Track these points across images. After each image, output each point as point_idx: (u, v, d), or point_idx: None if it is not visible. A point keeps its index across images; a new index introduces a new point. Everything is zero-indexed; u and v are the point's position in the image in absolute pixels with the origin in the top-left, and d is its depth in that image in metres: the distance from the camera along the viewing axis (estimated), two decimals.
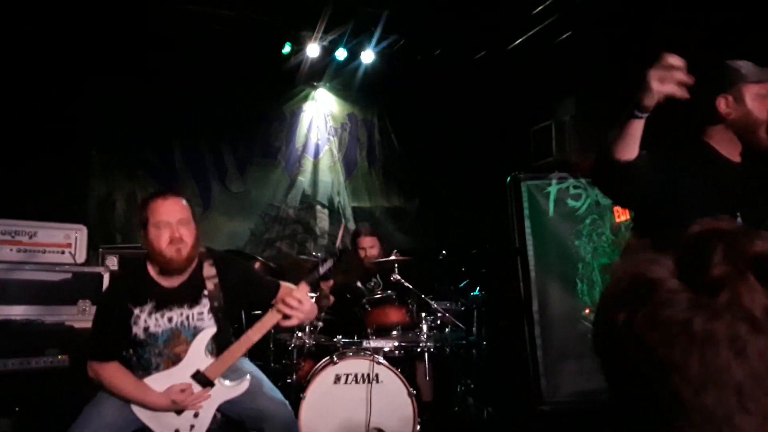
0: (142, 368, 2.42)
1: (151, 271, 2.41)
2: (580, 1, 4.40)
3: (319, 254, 4.08)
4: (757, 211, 1.86)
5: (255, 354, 2.88)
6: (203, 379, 2.37)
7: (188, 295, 2.41)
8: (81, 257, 3.84)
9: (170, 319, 2.40)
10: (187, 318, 2.41)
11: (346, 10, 5.03)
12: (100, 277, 3.88)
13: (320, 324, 3.77)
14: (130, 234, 5.12)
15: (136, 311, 2.37)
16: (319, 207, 5.90)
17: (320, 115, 6.03)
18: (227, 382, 2.44)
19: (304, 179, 5.91)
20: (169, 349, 2.40)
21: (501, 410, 4.13)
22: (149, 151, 5.29)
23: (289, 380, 3.62)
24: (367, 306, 3.83)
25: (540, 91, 5.35)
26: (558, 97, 5.06)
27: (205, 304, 2.42)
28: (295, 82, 5.80)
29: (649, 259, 0.62)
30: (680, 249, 0.61)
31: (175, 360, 2.40)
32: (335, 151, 6.06)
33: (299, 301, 2.34)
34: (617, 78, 4.58)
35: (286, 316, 2.34)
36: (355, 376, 3.36)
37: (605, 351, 0.64)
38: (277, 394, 2.55)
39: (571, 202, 4.61)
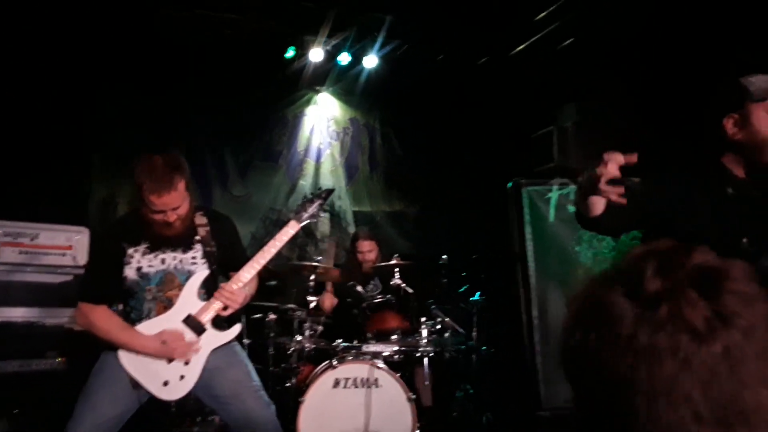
0: (132, 321, 2.39)
1: (146, 216, 2.41)
2: (583, 8, 4.41)
3: (319, 258, 4.10)
4: (763, 231, 1.82)
5: (254, 357, 2.88)
6: (194, 323, 2.36)
7: (181, 240, 2.42)
8: (82, 259, 3.85)
9: (163, 261, 2.40)
10: (181, 261, 2.42)
11: (349, 15, 5.04)
12: None
13: (320, 328, 3.78)
14: None
15: (130, 250, 2.37)
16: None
17: (322, 119, 6.04)
18: (219, 330, 2.43)
19: (306, 183, 5.92)
20: (162, 293, 2.39)
21: (500, 416, 4.13)
22: (151, 153, 5.29)
23: (288, 384, 3.63)
24: (367, 310, 3.83)
25: (542, 97, 5.36)
26: (560, 104, 5.07)
27: (197, 249, 2.44)
28: (298, 86, 5.81)
29: (605, 284, 0.64)
30: (623, 270, 0.64)
31: (168, 304, 2.39)
32: (337, 156, 6.07)
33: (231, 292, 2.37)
34: (619, 85, 4.60)
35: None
36: (355, 380, 3.36)
37: (568, 370, 0.67)
38: (264, 395, 2.52)
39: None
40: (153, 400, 2.37)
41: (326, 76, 5.81)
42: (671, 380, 0.57)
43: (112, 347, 2.35)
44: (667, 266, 0.61)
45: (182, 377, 2.35)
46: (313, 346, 3.63)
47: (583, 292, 0.67)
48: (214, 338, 2.41)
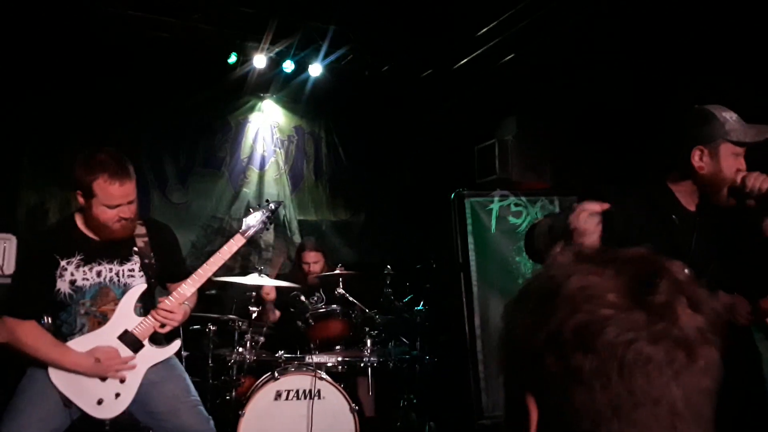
0: (63, 335, 2.26)
1: (80, 223, 2.31)
2: (523, 25, 4.55)
3: (262, 267, 4.03)
4: (702, 263, 1.86)
5: (192, 370, 2.79)
6: (131, 340, 2.26)
7: (118, 251, 2.31)
8: (9, 269, 3.65)
9: (99, 273, 2.28)
10: (117, 274, 2.31)
11: (292, 22, 5.03)
12: None
13: (261, 339, 3.71)
14: None
15: (63, 262, 2.24)
16: None
17: (267, 126, 5.97)
18: (155, 346, 2.33)
19: (249, 191, 5.82)
20: (96, 307, 2.27)
21: (443, 425, 4.16)
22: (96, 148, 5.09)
23: (227, 397, 3.54)
24: (310, 320, 3.79)
25: (484, 110, 5.49)
26: (500, 117, 5.20)
27: (135, 261, 2.34)
28: (241, 92, 5.73)
29: (590, 271, 0.62)
30: (625, 269, 0.62)
31: (102, 320, 2.27)
32: (281, 164, 6.00)
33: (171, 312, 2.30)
34: (557, 100, 4.78)
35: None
36: (297, 392, 3.32)
37: (531, 365, 0.62)
38: (202, 410, 2.44)
39: (512, 219, 4.74)
40: (86, 417, 2.25)
41: (270, 83, 5.75)
42: (660, 390, 0.58)
43: (39, 363, 2.23)
44: (670, 278, 0.62)
45: (118, 395, 2.25)
46: (255, 357, 3.56)
47: (554, 284, 0.62)
48: (151, 354, 2.32)
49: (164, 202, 5.41)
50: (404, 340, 3.96)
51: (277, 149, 5.99)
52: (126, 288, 2.32)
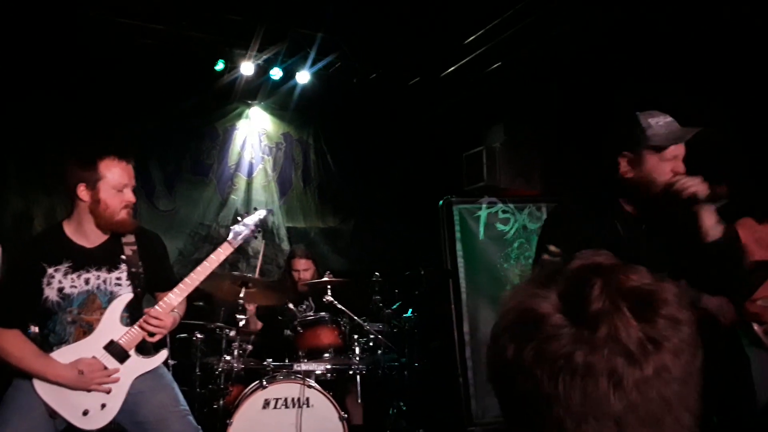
0: (50, 345, 2.23)
1: (68, 230, 2.28)
2: (510, 33, 4.59)
3: (250, 275, 4.01)
4: (654, 268, 1.93)
5: (179, 379, 2.76)
6: (117, 350, 2.22)
7: (106, 258, 2.29)
8: None
9: (87, 281, 2.25)
10: (105, 282, 2.28)
11: (280, 30, 5.03)
12: None
13: (249, 347, 3.68)
14: None
15: (51, 270, 2.21)
16: None
17: (254, 133, 5.95)
18: (142, 356, 2.30)
19: (237, 198, 5.80)
20: (84, 315, 2.23)
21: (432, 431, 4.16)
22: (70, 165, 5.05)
23: (215, 406, 3.50)
24: (298, 328, 3.77)
25: (472, 118, 5.52)
26: (488, 124, 5.24)
27: (123, 269, 2.31)
28: (229, 99, 5.71)
29: (536, 294, 0.64)
30: (562, 284, 0.64)
31: (88, 329, 2.23)
32: (269, 171, 5.99)
33: (169, 313, 2.29)
34: (542, 108, 4.82)
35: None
36: (285, 400, 3.30)
37: (497, 380, 0.65)
38: (191, 420, 2.40)
39: (500, 226, 4.76)
40: (72, 428, 2.22)
41: (258, 90, 5.75)
42: (604, 401, 0.57)
43: (24, 374, 2.20)
44: (611, 286, 0.61)
45: (103, 406, 2.22)
46: (243, 366, 3.53)
47: (515, 303, 0.65)
48: (138, 365, 2.29)
49: (151, 210, 5.37)
50: (393, 347, 3.95)
51: (265, 156, 5.98)
52: (112, 296, 2.29)
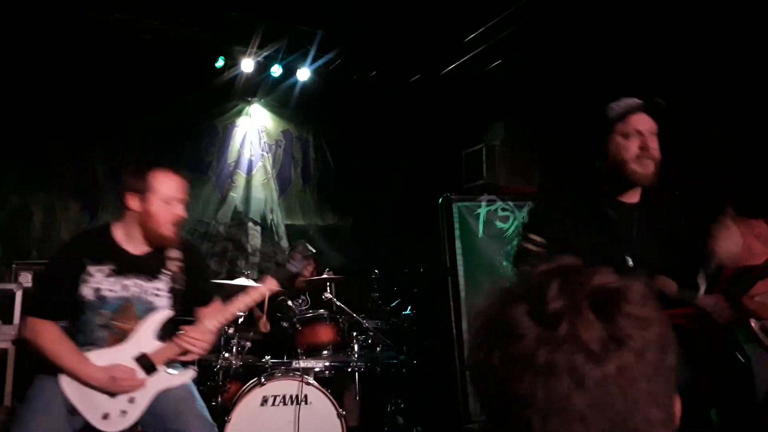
0: (79, 342, 2.22)
1: (116, 233, 2.28)
2: (510, 32, 4.59)
3: (248, 272, 4.01)
4: (646, 250, 1.95)
5: None
6: (147, 364, 2.24)
7: (149, 267, 2.29)
8: None
9: (125, 287, 2.25)
10: (144, 291, 2.28)
11: (280, 27, 5.02)
12: (13, 294, 3.65)
13: (248, 344, 3.68)
14: (48, 249, 4.85)
15: (91, 268, 2.21)
16: (251, 224, 5.79)
17: (254, 130, 5.95)
18: (170, 370, 2.31)
19: (236, 195, 5.80)
20: (117, 321, 2.24)
21: (430, 429, 4.16)
22: (69, 163, 5.05)
23: (213, 403, 3.50)
24: (297, 325, 3.78)
25: (472, 115, 5.52)
26: (488, 122, 5.23)
27: (163, 281, 2.31)
28: (229, 96, 5.71)
29: (507, 299, 0.66)
30: (530, 288, 0.65)
31: (120, 337, 2.24)
32: (269, 168, 5.98)
33: (210, 332, 2.30)
34: (542, 106, 4.81)
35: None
36: (284, 397, 3.30)
37: (474, 385, 0.68)
38: (207, 416, 2.42)
39: (499, 224, 4.76)
40: (89, 428, 2.23)
41: (258, 87, 5.74)
42: (566, 399, 0.58)
43: (48, 370, 2.20)
44: (569, 286, 0.63)
45: (124, 413, 2.23)
46: (241, 363, 3.53)
47: (487, 307, 0.67)
48: (164, 380, 2.30)
49: None
50: (391, 344, 3.96)
51: (265, 153, 5.97)
52: (149, 306, 2.28)
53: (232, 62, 5.32)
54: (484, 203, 4.77)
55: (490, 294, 0.69)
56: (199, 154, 5.65)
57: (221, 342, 3.59)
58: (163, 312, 2.29)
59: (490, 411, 0.65)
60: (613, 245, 1.96)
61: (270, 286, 2.41)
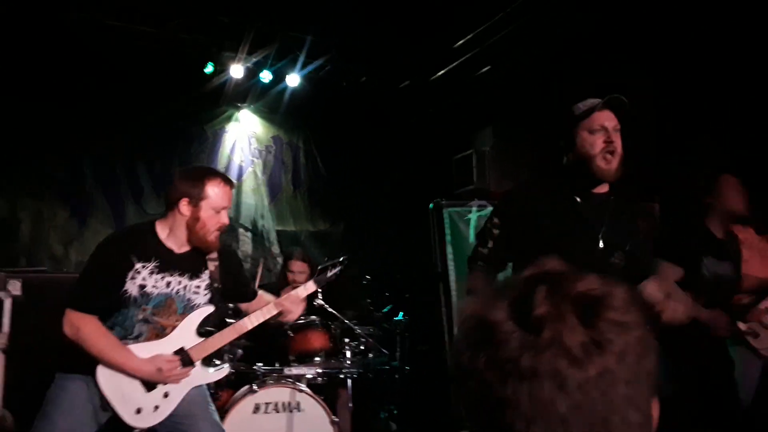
0: (119, 336, 2.26)
1: (160, 232, 2.35)
2: (499, 37, 4.62)
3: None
4: (615, 234, 2.03)
5: None
6: (186, 358, 2.30)
7: (191, 266, 2.37)
8: None
9: (168, 284, 2.32)
10: (185, 288, 2.35)
11: (270, 32, 5.02)
12: (1, 302, 3.59)
13: (240, 351, 3.67)
14: (36, 256, 4.80)
15: (138, 265, 2.26)
16: (241, 230, 5.77)
17: (244, 136, 5.94)
18: (208, 367, 2.40)
19: None
20: (158, 317, 2.30)
21: None
22: (57, 168, 5.01)
23: None
24: (289, 331, 3.76)
25: (461, 121, 5.54)
26: (478, 128, 5.26)
27: (204, 280, 2.40)
28: (218, 102, 5.69)
29: (490, 303, 0.66)
30: (513, 292, 0.66)
31: (160, 332, 2.31)
32: (259, 174, 5.97)
33: (300, 300, 2.52)
34: (531, 112, 4.85)
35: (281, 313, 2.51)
36: (276, 405, 3.29)
37: (458, 386, 0.68)
38: (218, 420, 2.48)
39: None
40: (114, 427, 2.27)
41: (248, 93, 5.73)
42: (549, 403, 0.59)
43: (71, 369, 2.23)
44: (555, 292, 0.63)
45: (156, 408, 2.28)
46: (233, 370, 3.51)
47: (472, 311, 0.68)
48: (200, 376, 2.38)
49: (139, 212, 5.33)
50: (384, 350, 3.96)
51: (255, 159, 5.96)
52: (188, 303, 2.36)
53: (222, 68, 5.31)
54: (474, 208, 4.79)
55: (472, 297, 0.70)
56: (189, 159, 5.62)
57: None
58: (206, 308, 2.38)
59: (474, 416, 0.65)
60: (582, 230, 2.03)
61: (311, 288, 2.63)
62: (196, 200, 2.31)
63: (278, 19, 4.83)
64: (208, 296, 2.41)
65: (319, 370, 3.55)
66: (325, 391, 3.55)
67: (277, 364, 3.58)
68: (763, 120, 3.21)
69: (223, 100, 5.66)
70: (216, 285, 2.41)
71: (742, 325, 2.80)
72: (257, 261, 5.67)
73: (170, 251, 2.34)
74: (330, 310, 3.79)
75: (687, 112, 3.46)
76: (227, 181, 2.39)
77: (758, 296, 2.85)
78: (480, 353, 0.63)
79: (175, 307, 2.34)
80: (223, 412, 3.24)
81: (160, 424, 2.33)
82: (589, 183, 2.09)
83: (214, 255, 2.44)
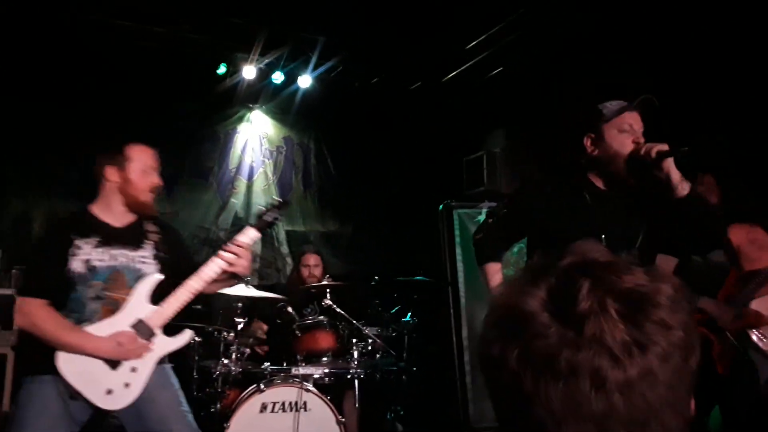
0: (75, 321, 2.21)
1: (95, 211, 2.37)
2: (511, 39, 4.60)
3: (249, 278, 3.99)
4: (618, 233, 2.08)
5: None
6: (144, 329, 2.25)
7: (132, 237, 2.36)
8: None
9: (114, 257, 2.30)
10: (132, 260, 2.33)
11: (282, 34, 5.05)
12: (12, 299, 3.64)
13: (247, 350, 3.68)
14: None
15: (78, 242, 2.26)
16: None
17: (255, 137, 5.97)
18: (167, 336, 2.33)
19: (237, 201, 5.80)
20: (109, 291, 2.26)
21: None
22: (70, 168, 5.05)
23: (212, 409, 3.49)
24: (297, 331, 3.76)
25: (473, 123, 5.53)
26: (489, 129, 5.24)
27: (148, 250, 2.38)
28: (231, 103, 5.72)
29: (524, 292, 0.63)
30: (551, 282, 0.62)
31: (114, 308, 2.25)
32: (270, 174, 6.00)
33: (243, 247, 2.36)
34: (543, 113, 4.82)
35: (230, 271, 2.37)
36: (283, 404, 3.29)
37: (486, 377, 0.65)
38: (191, 421, 2.41)
39: None
40: (92, 415, 2.21)
41: (260, 93, 5.76)
42: (585, 403, 0.56)
43: (36, 370, 2.19)
44: (600, 286, 0.60)
45: (127, 385, 2.22)
46: (240, 369, 3.52)
47: (503, 299, 0.64)
48: (164, 344, 2.32)
49: None
50: (391, 351, 3.94)
51: (266, 160, 5.99)
52: (138, 274, 2.32)
53: (234, 69, 5.34)
54: (484, 210, 4.77)
55: (506, 283, 0.66)
56: (201, 159, 5.66)
57: (221, 348, 3.58)
58: (154, 276, 2.33)
59: (501, 409, 0.63)
60: (589, 227, 2.06)
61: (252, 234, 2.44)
62: (121, 164, 2.35)
63: (290, 20, 4.85)
64: (158, 267, 2.37)
65: (327, 371, 3.55)
66: (332, 391, 3.54)
67: (284, 364, 3.58)
68: (763, 120, 3.17)
69: (235, 101, 5.69)
70: (161, 253, 2.39)
71: (753, 335, 2.78)
72: (266, 261, 5.69)
73: (108, 225, 2.34)
74: (338, 310, 3.79)
75: (687, 112, 3.42)
76: (148, 143, 2.44)
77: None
78: (512, 345, 0.60)
79: (125, 279, 2.30)
80: (230, 411, 3.25)
81: (131, 427, 2.28)
82: (610, 179, 2.15)
83: (154, 227, 2.43)
